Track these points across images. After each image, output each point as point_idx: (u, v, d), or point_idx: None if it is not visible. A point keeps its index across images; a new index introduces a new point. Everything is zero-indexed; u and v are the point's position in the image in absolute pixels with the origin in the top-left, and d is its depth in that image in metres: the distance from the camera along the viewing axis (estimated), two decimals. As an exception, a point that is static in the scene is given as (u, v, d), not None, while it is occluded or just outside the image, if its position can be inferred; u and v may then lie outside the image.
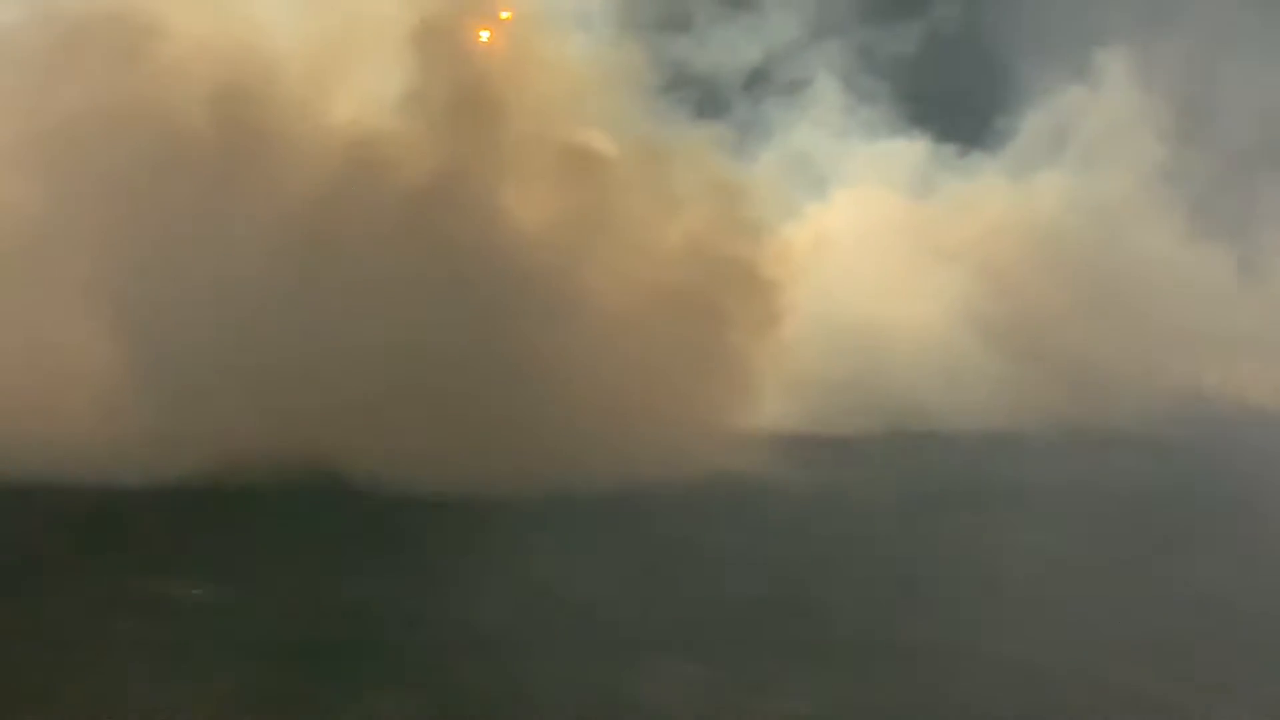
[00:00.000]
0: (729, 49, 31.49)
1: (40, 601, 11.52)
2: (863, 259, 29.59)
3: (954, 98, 33.30)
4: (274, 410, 17.52)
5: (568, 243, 21.23)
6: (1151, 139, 32.58)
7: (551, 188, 21.45)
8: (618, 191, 22.22)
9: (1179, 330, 29.84)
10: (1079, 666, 10.93)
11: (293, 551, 13.79)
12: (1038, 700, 10.20)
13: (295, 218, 18.83)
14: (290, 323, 18.48)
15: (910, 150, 32.58)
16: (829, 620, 12.19)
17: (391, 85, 20.37)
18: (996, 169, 32.64)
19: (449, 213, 19.70)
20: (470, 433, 18.11)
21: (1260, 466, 22.13)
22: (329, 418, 17.57)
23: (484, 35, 28.60)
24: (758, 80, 32.58)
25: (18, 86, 19.15)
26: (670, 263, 22.63)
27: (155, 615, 11.18)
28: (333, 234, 19.13)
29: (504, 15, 28.74)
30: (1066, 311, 29.45)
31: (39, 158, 18.54)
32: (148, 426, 16.89)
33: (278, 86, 19.69)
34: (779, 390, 23.56)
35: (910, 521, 17.32)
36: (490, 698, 9.66)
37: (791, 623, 12.05)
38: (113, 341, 17.96)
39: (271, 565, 13.15)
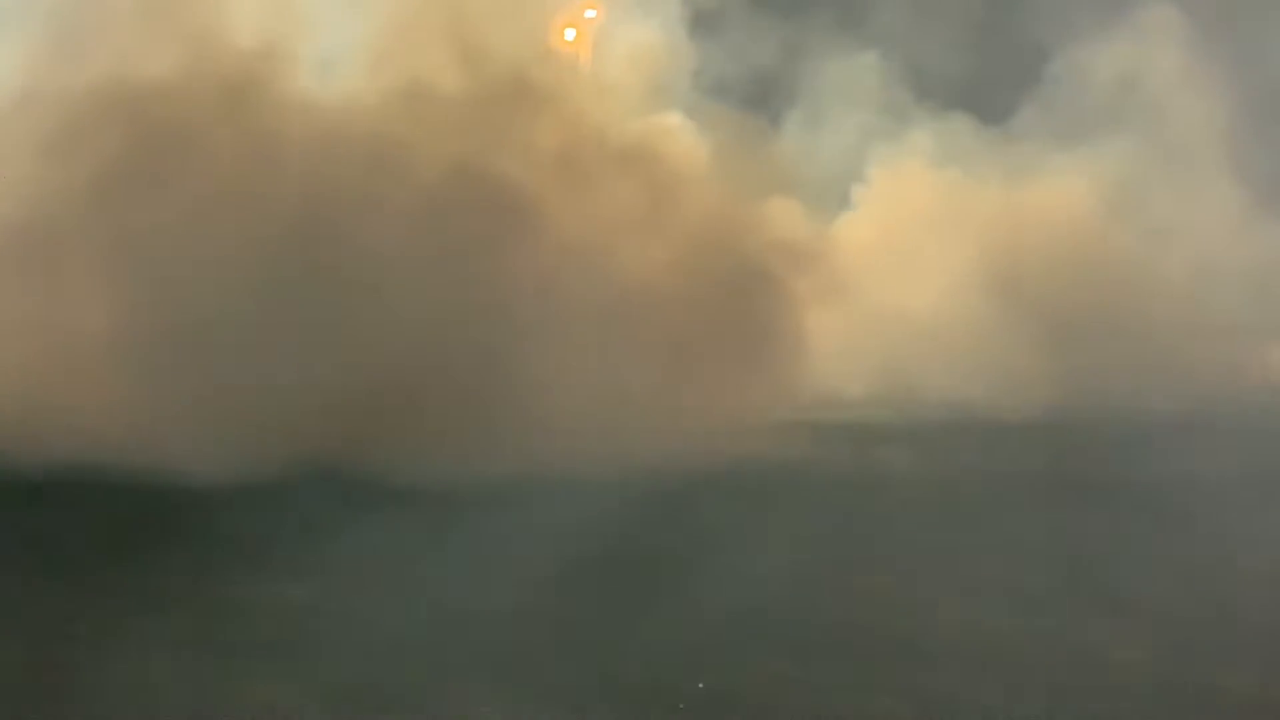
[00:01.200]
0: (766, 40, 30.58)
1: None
2: (902, 243, 29.01)
3: (991, 80, 32.30)
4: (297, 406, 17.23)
5: (609, 239, 21.03)
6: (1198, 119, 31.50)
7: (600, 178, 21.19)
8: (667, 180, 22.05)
9: (1228, 314, 28.84)
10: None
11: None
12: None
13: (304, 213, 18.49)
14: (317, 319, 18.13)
15: (950, 132, 31.74)
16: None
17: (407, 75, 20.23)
18: (1034, 152, 31.77)
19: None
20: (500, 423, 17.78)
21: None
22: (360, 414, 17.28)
23: (570, 34, 28.73)
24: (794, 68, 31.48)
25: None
26: (716, 250, 22.57)
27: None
28: (353, 227, 18.82)
29: (589, 14, 28.90)
30: (1102, 298, 28.61)
31: (41, 143, 18.33)
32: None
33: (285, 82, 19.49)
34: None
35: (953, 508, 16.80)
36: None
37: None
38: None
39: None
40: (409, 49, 21.18)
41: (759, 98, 30.12)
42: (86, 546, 13.26)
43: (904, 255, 29.03)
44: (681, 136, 25.42)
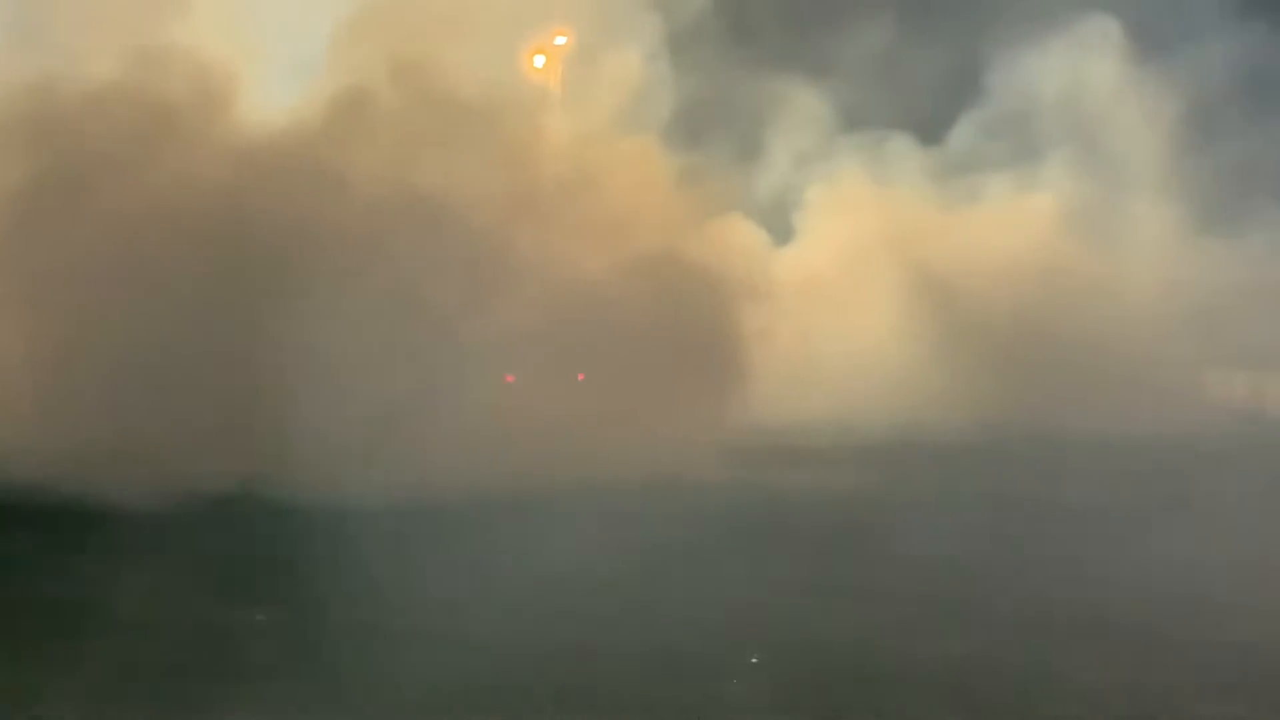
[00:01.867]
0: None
1: None
2: (844, 266, 28.90)
3: (930, 100, 32.30)
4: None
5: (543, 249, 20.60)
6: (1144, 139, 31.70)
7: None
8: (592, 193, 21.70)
9: (1177, 333, 28.90)
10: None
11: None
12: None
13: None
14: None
15: (890, 154, 31.69)
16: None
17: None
18: (973, 171, 31.80)
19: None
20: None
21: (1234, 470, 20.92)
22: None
23: (539, 60, 28.46)
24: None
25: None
26: (665, 274, 22.39)
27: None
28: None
29: (558, 40, 28.59)
30: (1041, 320, 28.58)
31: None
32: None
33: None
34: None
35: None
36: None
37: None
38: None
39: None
40: (355, 69, 20.89)
41: (706, 126, 29.73)
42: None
43: (846, 278, 28.91)
44: (637, 162, 25.03)
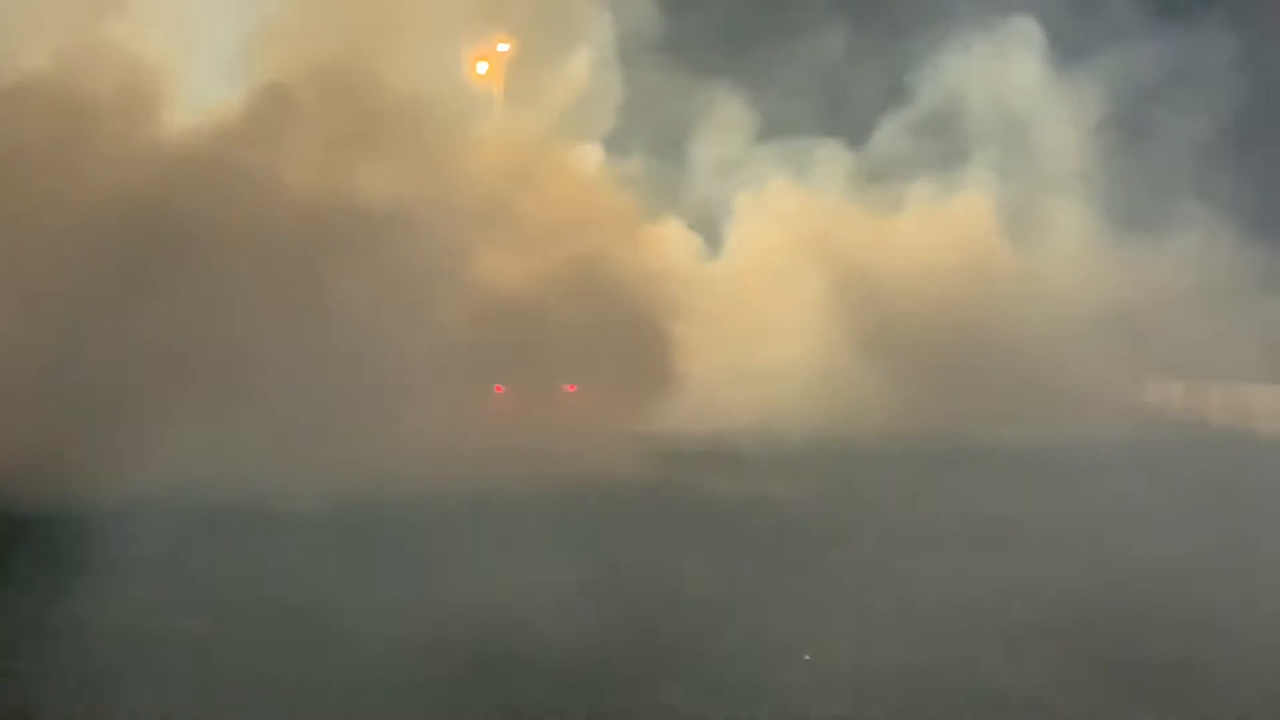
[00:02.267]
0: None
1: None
2: (770, 273, 29.11)
3: (863, 104, 32.66)
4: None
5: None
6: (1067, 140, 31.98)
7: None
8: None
9: (1099, 337, 29.09)
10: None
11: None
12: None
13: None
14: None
15: (817, 161, 31.92)
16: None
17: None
18: (898, 176, 32.08)
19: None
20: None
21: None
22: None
23: (482, 67, 28.65)
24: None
25: None
26: (593, 279, 22.62)
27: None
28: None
29: (501, 48, 28.79)
30: (964, 327, 28.74)
31: None
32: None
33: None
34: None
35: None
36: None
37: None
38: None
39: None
40: (282, 70, 20.91)
41: (638, 133, 29.93)
42: None
43: (773, 284, 29.05)
44: (567, 168, 25.28)
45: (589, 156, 26.30)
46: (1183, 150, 30.80)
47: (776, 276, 29.36)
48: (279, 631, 10.74)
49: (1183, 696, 9.60)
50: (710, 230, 30.30)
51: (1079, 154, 31.91)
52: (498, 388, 22.32)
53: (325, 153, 19.65)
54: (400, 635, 10.60)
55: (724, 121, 32.23)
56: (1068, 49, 32.42)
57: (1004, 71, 32.74)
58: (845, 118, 32.61)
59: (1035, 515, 17.33)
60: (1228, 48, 31.12)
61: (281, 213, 18.71)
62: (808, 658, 9.19)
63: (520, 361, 20.73)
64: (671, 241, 27.57)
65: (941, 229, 30.67)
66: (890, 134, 32.60)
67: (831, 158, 32.03)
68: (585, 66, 28.12)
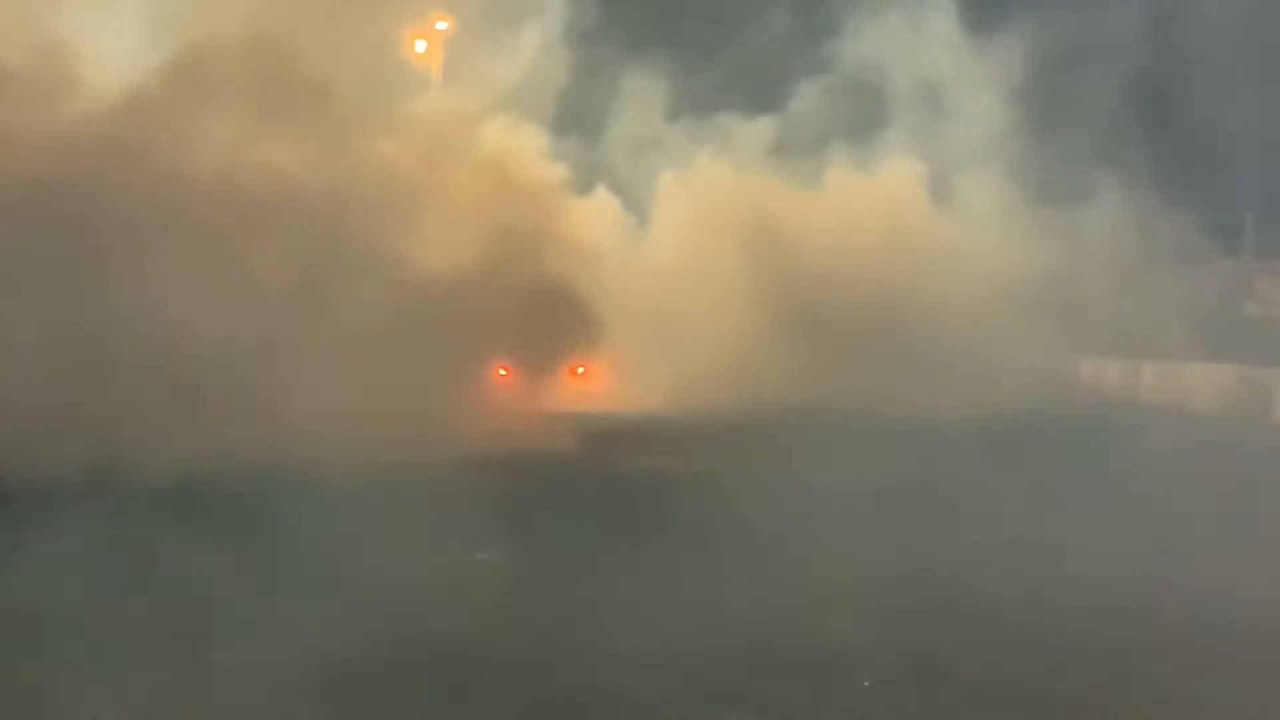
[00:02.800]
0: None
1: None
2: (692, 251, 29.15)
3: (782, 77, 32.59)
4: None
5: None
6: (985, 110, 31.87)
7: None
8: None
9: (1018, 312, 29.10)
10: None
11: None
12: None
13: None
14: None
15: (741, 132, 31.87)
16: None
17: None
18: (814, 151, 31.95)
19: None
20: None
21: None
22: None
23: (420, 45, 28.54)
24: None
25: None
26: (517, 258, 22.59)
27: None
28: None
29: (439, 25, 28.72)
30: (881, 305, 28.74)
31: None
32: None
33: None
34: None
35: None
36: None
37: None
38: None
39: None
40: (203, 44, 20.50)
41: (564, 113, 29.81)
42: None
43: (694, 262, 29.04)
44: (491, 146, 25.24)
45: (517, 134, 26.22)
46: (1098, 117, 30.79)
47: (699, 253, 29.34)
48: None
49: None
50: (633, 208, 30.18)
51: (995, 122, 31.63)
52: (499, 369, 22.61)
53: (241, 128, 19.50)
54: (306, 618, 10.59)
55: (643, 98, 32.07)
56: (982, 14, 32.28)
57: (918, 39, 32.62)
58: (763, 90, 32.53)
59: (944, 489, 17.51)
60: (1142, 14, 30.97)
61: (193, 189, 18.54)
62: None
63: (442, 340, 20.64)
64: (595, 220, 27.47)
65: (860, 200, 30.67)
66: (808, 105, 32.42)
67: (751, 131, 31.93)
68: (528, 45, 28.10)
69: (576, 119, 30.07)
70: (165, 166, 18.64)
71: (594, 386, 25.50)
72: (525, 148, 26.23)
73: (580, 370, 25.41)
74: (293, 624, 10.22)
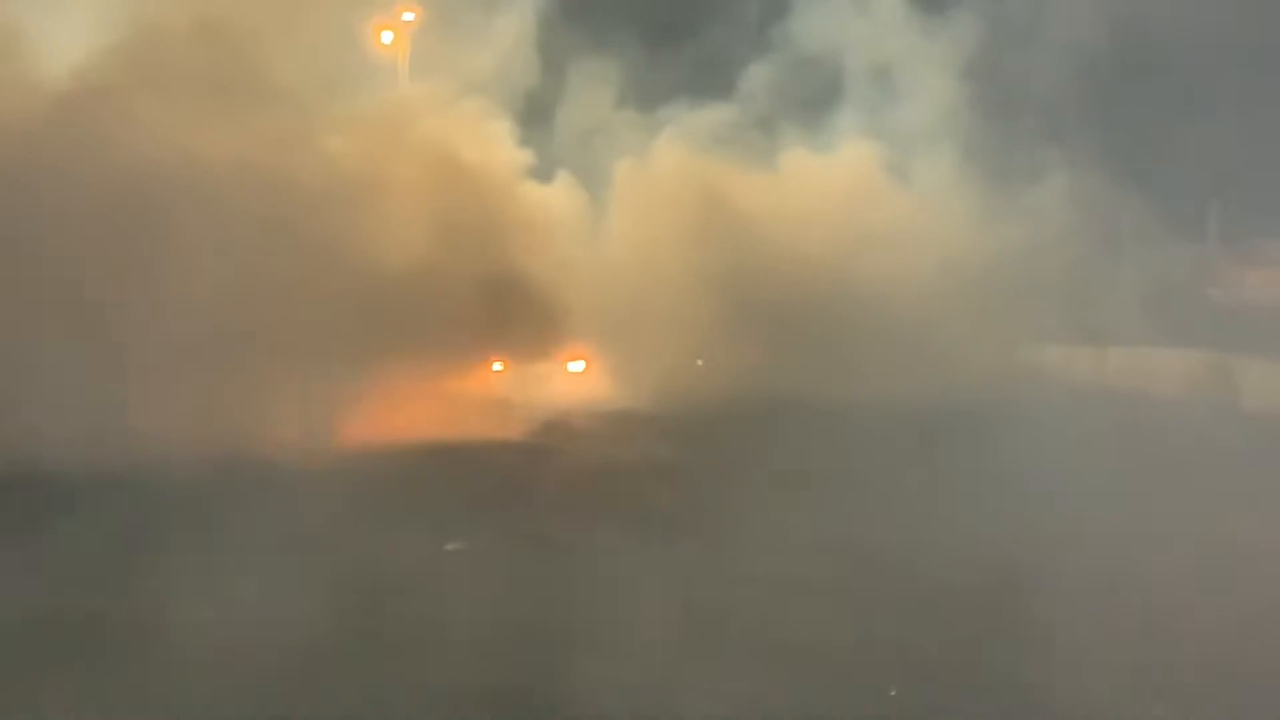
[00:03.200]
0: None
1: None
2: (648, 237, 29.04)
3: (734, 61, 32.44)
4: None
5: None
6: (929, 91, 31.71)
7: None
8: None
9: (964, 307, 28.96)
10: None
11: None
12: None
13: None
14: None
15: (697, 118, 31.70)
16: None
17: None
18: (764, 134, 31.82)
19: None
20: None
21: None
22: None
23: (387, 36, 28.39)
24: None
25: None
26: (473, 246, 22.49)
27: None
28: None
29: (406, 16, 28.51)
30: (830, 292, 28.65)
31: None
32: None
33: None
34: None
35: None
36: None
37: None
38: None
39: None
40: (152, 29, 20.31)
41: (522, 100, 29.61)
42: None
43: (649, 248, 28.91)
44: (446, 134, 25.09)
45: (475, 123, 26.07)
46: (1050, 96, 30.55)
47: (655, 241, 29.21)
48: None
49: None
50: (592, 196, 30.02)
51: (952, 103, 31.37)
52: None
53: (184, 116, 19.25)
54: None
55: (599, 84, 31.83)
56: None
57: (871, 19, 32.30)
58: (717, 74, 32.35)
59: (894, 478, 17.54)
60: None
61: (130, 177, 18.34)
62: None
63: (393, 330, 20.52)
64: (554, 209, 27.34)
65: (817, 183, 30.56)
66: (762, 88, 32.26)
67: (706, 116, 31.72)
68: (491, 34, 27.93)
69: (535, 107, 29.88)
70: (103, 154, 18.54)
71: (552, 377, 25.32)
72: (484, 136, 26.04)
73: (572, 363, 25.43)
74: (257, 612, 10.24)
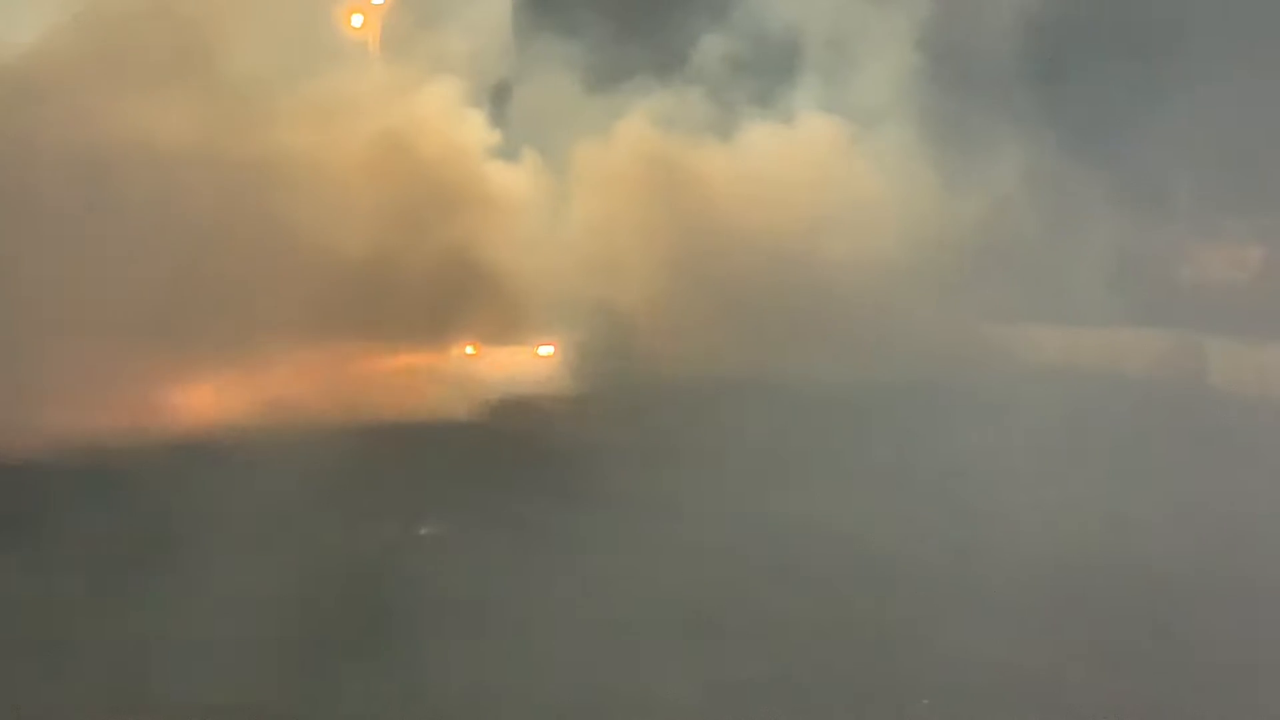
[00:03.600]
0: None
1: None
2: (609, 215, 28.91)
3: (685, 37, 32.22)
4: None
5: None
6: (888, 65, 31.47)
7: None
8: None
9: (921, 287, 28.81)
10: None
11: None
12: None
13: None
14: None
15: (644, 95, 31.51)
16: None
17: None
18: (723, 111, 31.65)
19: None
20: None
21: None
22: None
23: (357, 20, 28.21)
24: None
25: None
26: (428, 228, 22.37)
27: None
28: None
29: (376, 1, 28.34)
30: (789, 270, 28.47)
31: None
32: None
33: None
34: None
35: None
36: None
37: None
38: None
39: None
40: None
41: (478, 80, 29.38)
42: None
43: (608, 226, 28.79)
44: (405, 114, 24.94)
45: (438, 101, 25.90)
46: (1011, 70, 30.15)
47: (615, 220, 29.07)
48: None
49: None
50: (554, 175, 29.83)
51: (915, 76, 31.08)
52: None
53: (139, 95, 19.00)
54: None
55: (558, 64, 31.57)
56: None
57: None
58: (675, 53, 32.09)
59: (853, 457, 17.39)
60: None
61: (75, 157, 18.05)
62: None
63: (353, 313, 20.37)
64: (514, 189, 27.17)
65: (773, 159, 30.38)
66: (718, 66, 32.04)
67: (664, 94, 31.52)
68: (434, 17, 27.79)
69: (501, 89, 29.63)
70: (58, 135, 18.23)
71: (520, 360, 25.21)
72: (449, 118, 25.88)
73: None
74: (231, 592, 10.20)
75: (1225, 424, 20.92)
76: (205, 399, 17.57)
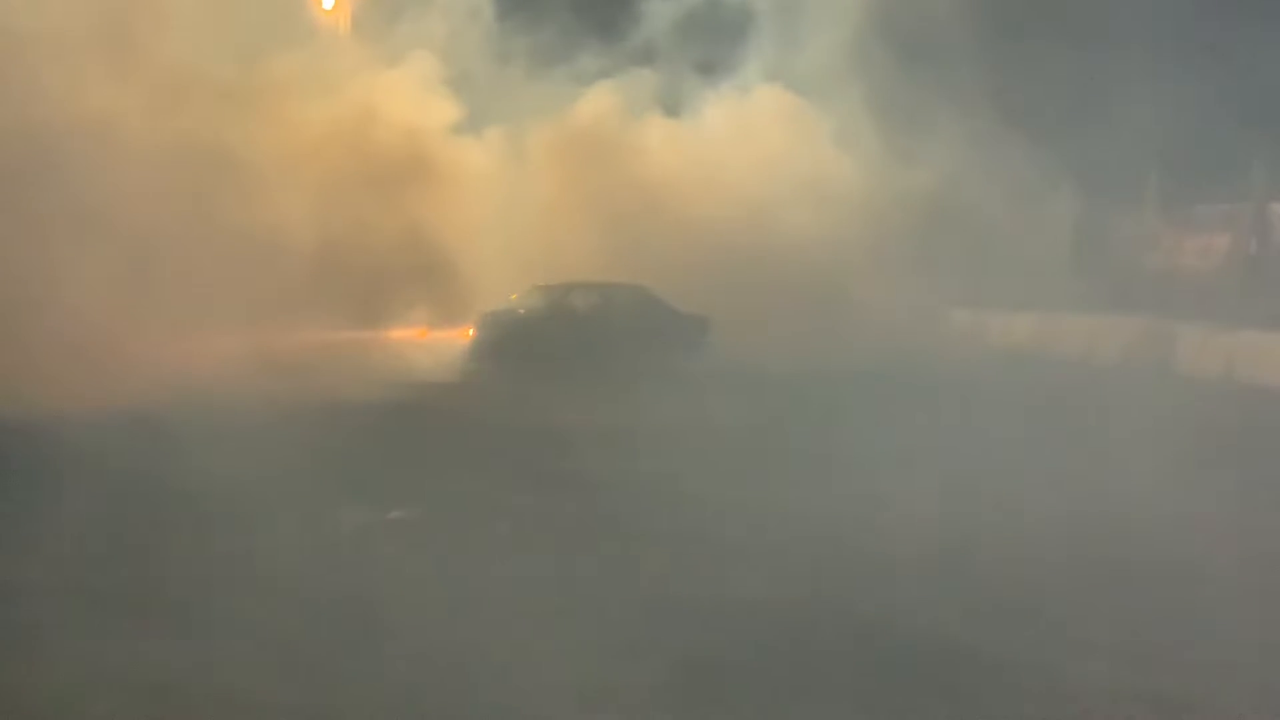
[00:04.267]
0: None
1: None
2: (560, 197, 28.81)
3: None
4: None
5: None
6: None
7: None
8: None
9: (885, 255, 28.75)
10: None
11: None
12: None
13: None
14: None
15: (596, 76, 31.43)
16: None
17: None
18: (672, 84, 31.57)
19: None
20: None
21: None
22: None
23: (327, 3, 28.16)
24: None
25: None
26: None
27: None
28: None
29: None
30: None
31: None
32: None
33: None
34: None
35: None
36: None
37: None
38: None
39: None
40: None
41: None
42: None
43: (560, 208, 28.68)
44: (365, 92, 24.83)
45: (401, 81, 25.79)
46: (954, 46, 30.07)
47: (568, 201, 28.94)
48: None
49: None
50: (512, 151, 29.68)
51: (849, 50, 31.07)
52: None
53: (85, 70, 18.74)
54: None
55: (512, 42, 31.39)
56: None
57: None
58: (626, 30, 31.98)
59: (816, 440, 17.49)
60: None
61: (26, 130, 17.78)
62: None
63: (304, 291, 20.24)
64: (471, 169, 27.01)
65: (728, 132, 30.29)
66: (668, 41, 31.96)
67: (607, 73, 31.44)
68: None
69: (462, 68, 29.43)
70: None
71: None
72: (411, 98, 25.76)
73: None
74: (205, 579, 10.15)
75: (1192, 410, 21.00)
76: (158, 381, 17.37)
